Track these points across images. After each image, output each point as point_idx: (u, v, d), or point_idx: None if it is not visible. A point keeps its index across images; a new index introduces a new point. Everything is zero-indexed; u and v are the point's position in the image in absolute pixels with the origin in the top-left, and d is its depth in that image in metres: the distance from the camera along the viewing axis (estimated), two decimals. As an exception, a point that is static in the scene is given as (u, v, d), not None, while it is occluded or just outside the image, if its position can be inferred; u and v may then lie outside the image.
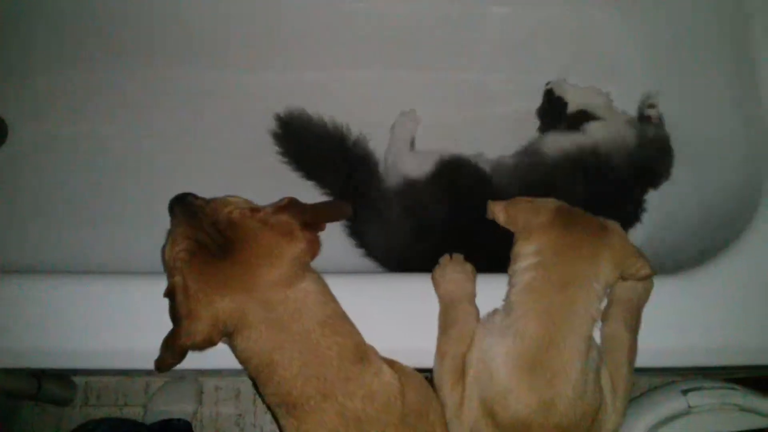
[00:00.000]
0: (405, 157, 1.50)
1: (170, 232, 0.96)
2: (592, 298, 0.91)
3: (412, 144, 1.57)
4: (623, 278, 0.95)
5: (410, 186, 1.42)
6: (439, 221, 1.38)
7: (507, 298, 0.95)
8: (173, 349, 0.90)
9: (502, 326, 0.93)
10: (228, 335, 0.90)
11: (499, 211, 1.01)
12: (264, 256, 0.90)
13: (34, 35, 1.65)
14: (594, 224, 0.96)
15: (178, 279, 0.90)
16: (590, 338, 0.91)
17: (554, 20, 1.65)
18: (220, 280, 0.89)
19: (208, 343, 0.90)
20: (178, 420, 1.60)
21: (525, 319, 0.91)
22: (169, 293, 0.92)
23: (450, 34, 1.67)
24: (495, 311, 0.98)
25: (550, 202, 0.99)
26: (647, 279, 0.98)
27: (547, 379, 0.88)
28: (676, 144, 1.47)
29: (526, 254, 0.94)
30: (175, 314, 0.91)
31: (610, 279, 0.93)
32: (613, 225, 0.98)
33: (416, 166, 1.44)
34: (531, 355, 0.89)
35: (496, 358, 0.91)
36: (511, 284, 0.96)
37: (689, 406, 1.18)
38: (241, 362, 0.93)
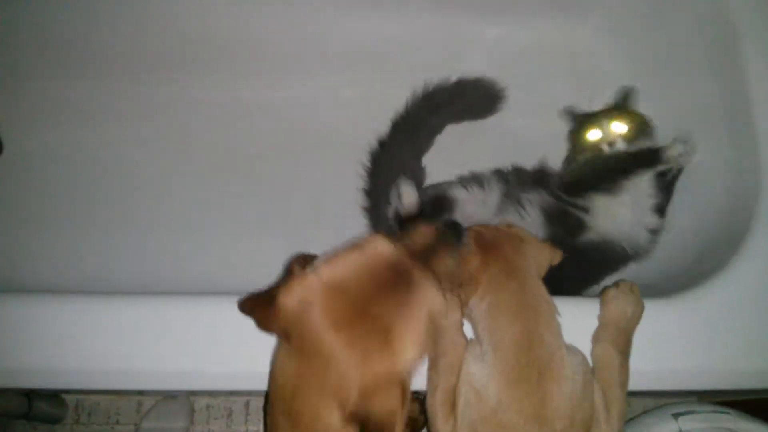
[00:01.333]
0: None
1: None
2: (543, 294, 0.97)
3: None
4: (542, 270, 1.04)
5: None
6: None
7: (476, 334, 0.97)
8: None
9: (480, 352, 0.95)
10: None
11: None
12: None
13: (24, 45, 1.66)
14: (512, 239, 1.03)
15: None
16: (561, 333, 0.95)
17: (545, 40, 1.67)
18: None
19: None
20: (170, 439, 1.59)
21: (498, 334, 0.93)
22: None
23: (442, 53, 1.68)
24: (473, 342, 0.98)
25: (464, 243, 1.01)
26: (560, 259, 1.07)
27: (535, 380, 0.89)
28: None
29: (474, 297, 0.98)
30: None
31: (542, 275, 1.02)
32: (523, 232, 1.07)
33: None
34: (514, 360, 0.90)
35: (483, 378, 0.92)
36: (473, 323, 0.98)
37: (680, 431, 1.17)
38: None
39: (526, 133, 1.60)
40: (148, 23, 1.65)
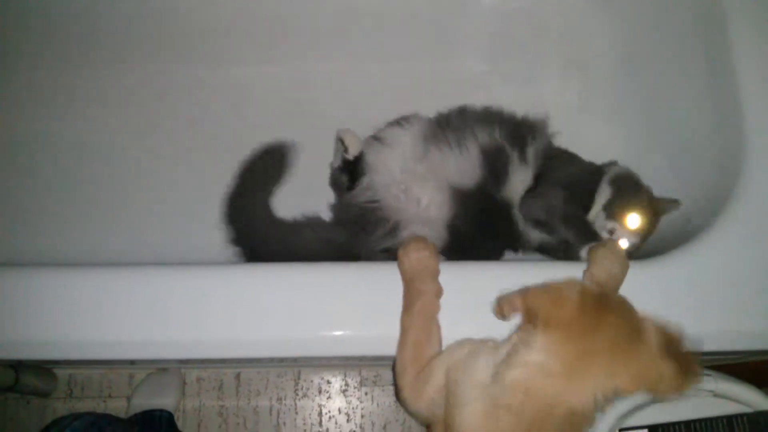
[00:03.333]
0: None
1: None
2: (584, 410, 0.77)
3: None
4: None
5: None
6: None
7: (499, 368, 0.82)
8: None
9: (482, 385, 0.83)
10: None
11: (515, 303, 0.85)
12: None
13: (22, 32, 1.65)
14: (624, 329, 0.80)
15: None
16: None
17: (535, 9, 1.65)
18: None
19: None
20: (161, 411, 1.60)
21: (507, 408, 0.79)
22: None
23: (432, 23, 1.67)
24: (483, 350, 0.88)
25: (571, 287, 0.84)
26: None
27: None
28: (650, 134, 1.48)
29: (536, 344, 0.79)
30: None
31: (622, 393, 0.78)
32: (650, 327, 0.81)
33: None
34: (497, 405, 0.79)
35: (466, 408, 0.83)
36: (509, 357, 0.82)
37: (661, 393, 1.18)
38: None
39: (512, 102, 1.59)
40: (145, 10, 1.64)
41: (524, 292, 0.85)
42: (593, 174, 1.40)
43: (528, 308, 0.83)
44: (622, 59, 1.58)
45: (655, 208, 1.34)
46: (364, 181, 1.43)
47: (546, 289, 0.84)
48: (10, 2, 1.61)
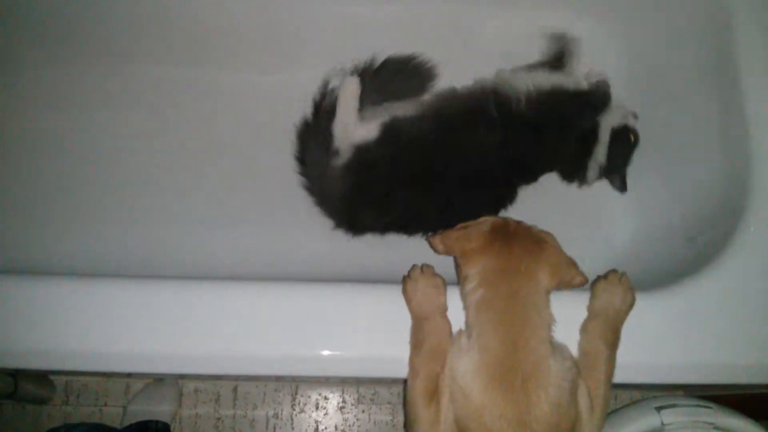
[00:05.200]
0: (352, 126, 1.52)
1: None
2: (540, 304, 0.95)
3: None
4: (561, 286, 0.99)
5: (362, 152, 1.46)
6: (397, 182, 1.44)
7: (465, 321, 0.97)
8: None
9: (465, 347, 0.95)
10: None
11: (437, 244, 1.05)
12: None
13: (21, 30, 1.65)
14: (529, 238, 1.01)
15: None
16: (551, 341, 0.94)
17: (543, 31, 1.65)
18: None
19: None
20: (157, 422, 1.60)
21: (484, 334, 0.93)
22: None
23: (441, 44, 1.67)
24: (460, 332, 0.99)
25: (483, 224, 1.04)
26: (581, 284, 1.02)
27: (518, 385, 0.88)
28: (656, 156, 1.48)
29: (470, 276, 0.98)
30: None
31: (549, 287, 0.97)
32: (548, 236, 1.04)
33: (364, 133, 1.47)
34: (498, 365, 0.90)
35: (466, 376, 0.92)
36: (465, 308, 0.98)
37: (663, 424, 1.18)
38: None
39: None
40: (142, 10, 1.64)
41: (443, 234, 1.05)
42: None
43: (447, 247, 1.04)
44: (632, 83, 1.58)
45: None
46: None
47: (457, 229, 1.05)
48: (15, 1, 1.62)
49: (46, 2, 1.62)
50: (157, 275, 1.15)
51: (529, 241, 1.00)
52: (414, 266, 1.07)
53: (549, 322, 0.95)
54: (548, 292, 0.97)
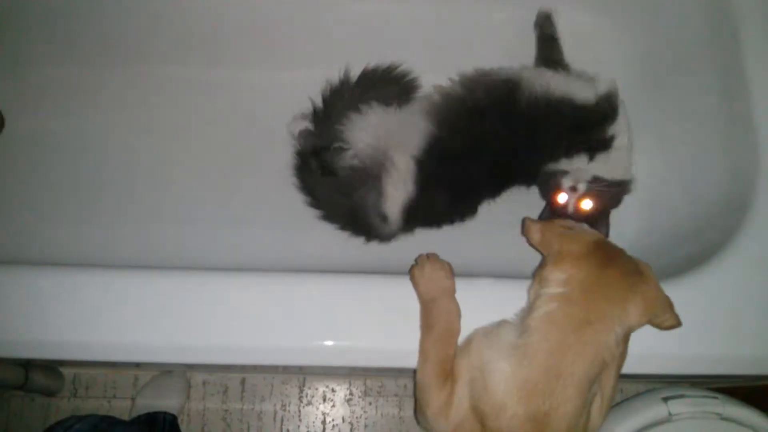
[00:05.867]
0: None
1: None
2: (609, 343, 0.89)
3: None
4: (648, 324, 0.94)
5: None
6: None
7: (523, 320, 0.94)
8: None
9: (510, 345, 0.92)
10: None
11: (534, 231, 1.01)
12: None
13: (29, 30, 1.66)
14: (629, 266, 0.95)
15: None
16: (595, 380, 0.90)
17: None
18: None
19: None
20: (165, 414, 1.60)
21: (537, 347, 0.89)
22: None
23: (445, 37, 1.68)
24: (503, 324, 0.97)
25: (590, 234, 0.99)
26: (671, 329, 0.96)
27: (544, 411, 0.87)
28: (663, 149, 1.48)
29: (553, 281, 0.93)
30: None
31: (635, 325, 0.92)
32: (647, 270, 0.96)
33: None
34: (534, 383, 0.88)
35: (496, 372, 0.91)
36: (531, 306, 0.94)
37: (669, 414, 1.18)
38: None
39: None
40: (151, 9, 1.64)
41: (545, 225, 0.99)
42: None
43: (543, 238, 0.99)
44: (635, 75, 1.58)
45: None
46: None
47: (567, 225, 1.00)
48: (23, 1, 1.62)
49: (54, 3, 1.62)
50: (165, 266, 1.16)
51: (630, 268, 0.94)
52: (420, 254, 1.08)
53: (606, 361, 0.90)
54: (631, 330, 0.92)
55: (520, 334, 0.92)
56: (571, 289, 0.91)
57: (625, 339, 0.94)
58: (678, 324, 0.95)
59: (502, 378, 0.90)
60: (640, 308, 0.90)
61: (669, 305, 0.95)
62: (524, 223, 1.03)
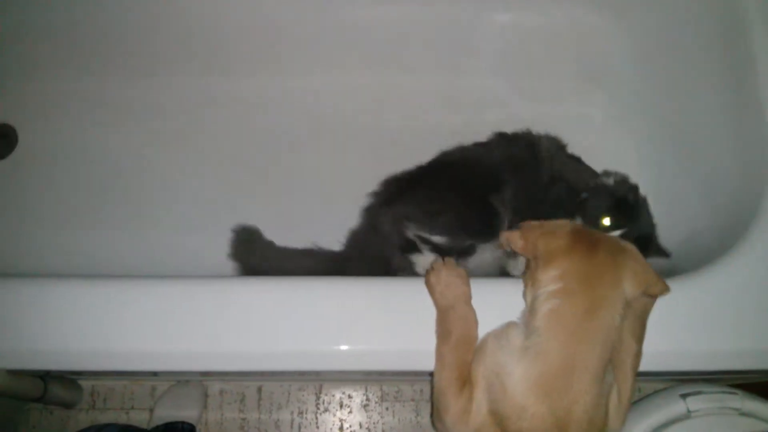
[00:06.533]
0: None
1: None
2: (615, 323, 0.90)
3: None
4: (641, 295, 0.95)
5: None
6: None
7: (529, 323, 0.94)
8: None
9: (521, 346, 0.92)
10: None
11: (517, 239, 1.00)
12: None
13: (39, 44, 1.68)
14: (614, 246, 0.96)
15: None
16: (608, 363, 0.90)
17: (552, 26, 1.66)
18: None
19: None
20: (183, 423, 1.61)
21: (549, 344, 0.90)
22: None
23: (450, 40, 1.69)
24: (510, 326, 0.97)
25: (564, 224, 0.99)
26: (663, 293, 0.98)
27: (564, 405, 0.87)
28: (674, 146, 1.47)
29: (548, 279, 0.93)
30: None
31: (631, 300, 0.93)
32: (630, 246, 0.98)
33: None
34: (551, 379, 0.88)
35: (512, 375, 0.91)
36: (533, 309, 0.94)
37: (688, 411, 1.18)
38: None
39: (530, 118, 1.59)
40: (159, 18, 1.66)
41: (522, 230, 1.00)
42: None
43: (527, 243, 0.98)
44: (643, 73, 1.58)
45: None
46: None
47: (540, 225, 1.00)
48: (32, 12, 1.64)
49: (66, 15, 1.64)
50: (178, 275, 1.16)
51: (614, 248, 0.96)
52: (435, 259, 1.07)
53: (614, 341, 0.91)
54: (629, 305, 0.93)
55: (528, 336, 0.92)
56: (567, 282, 0.92)
57: (635, 332, 0.96)
58: (667, 289, 0.97)
59: (519, 380, 0.90)
60: (633, 282, 0.92)
61: (655, 274, 0.96)
62: (503, 237, 1.03)
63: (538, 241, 0.97)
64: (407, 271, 1.41)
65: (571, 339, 0.89)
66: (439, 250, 1.38)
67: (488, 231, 1.36)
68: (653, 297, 0.97)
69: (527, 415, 0.88)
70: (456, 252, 1.38)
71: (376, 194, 1.51)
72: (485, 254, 1.38)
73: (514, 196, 1.40)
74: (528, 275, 0.99)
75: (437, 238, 1.38)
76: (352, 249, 1.51)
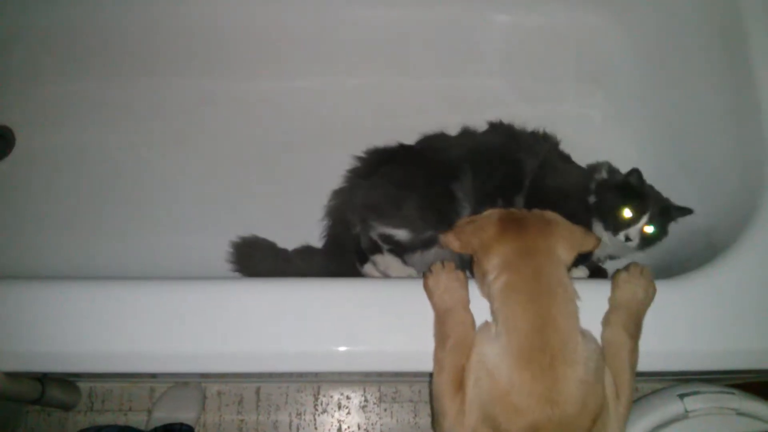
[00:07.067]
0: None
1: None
2: (563, 279, 0.95)
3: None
4: (580, 254, 1.01)
5: None
6: None
7: (491, 309, 0.97)
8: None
9: (495, 332, 0.94)
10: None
11: (451, 240, 1.04)
12: None
13: (38, 45, 1.68)
14: (538, 220, 1.01)
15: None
16: (577, 318, 0.94)
17: (552, 26, 1.67)
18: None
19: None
20: (181, 425, 1.61)
21: (512, 316, 0.93)
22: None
23: (450, 41, 1.69)
24: (487, 323, 0.98)
25: (491, 214, 1.04)
26: (596, 246, 1.04)
27: (547, 363, 0.88)
28: (673, 146, 1.48)
29: (492, 268, 0.97)
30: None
31: (568, 260, 0.99)
32: (554, 215, 1.04)
33: None
34: (527, 344, 0.90)
35: (495, 358, 0.92)
36: (490, 298, 0.97)
37: (686, 411, 1.18)
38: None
39: (530, 118, 1.60)
40: (158, 19, 1.66)
41: (456, 230, 1.04)
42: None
43: (462, 242, 1.02)
44: (643, 74, 1.59)
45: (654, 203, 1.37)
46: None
47: (469, 221, 1.05)
48: (33, 14, 1.64)
49: (65, 16, 1.65)
50: (178, 277, 1.16)
51: (540, 221, 1.01)
52: (434, 262, 1.07)
53: (574, 296, 0.94)
54: (567, 267, 0.98)
55: (495, 321, 0.95)
56: (507, 261, 0.96)
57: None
58: (597, 241, 1.04)
59: (500, 359, 0.91)
60: (566, 246, 0.99)
61: (582, 233, 1.03)
62: (441, 239, 1.06)
63: (471, 238, 1.01)
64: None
65: (528, 301, 0.93)
66: (400, 247, 1.40)
67: (448, 221, 1.36)
68: (589, 250, 1.04)
69: (516, 393, 0.89)
70: (417, 247, 1.40)
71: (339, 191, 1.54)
72: None
73: (482, 185, 1.41)
74: (477, 273, 1.02)
75: (399, 232, 1.39)
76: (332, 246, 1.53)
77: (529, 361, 0.89)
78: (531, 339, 0.90)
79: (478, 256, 1.00)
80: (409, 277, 1.38)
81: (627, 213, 1.35)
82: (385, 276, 1.39)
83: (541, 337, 0.90)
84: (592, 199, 1.40)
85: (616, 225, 1.35)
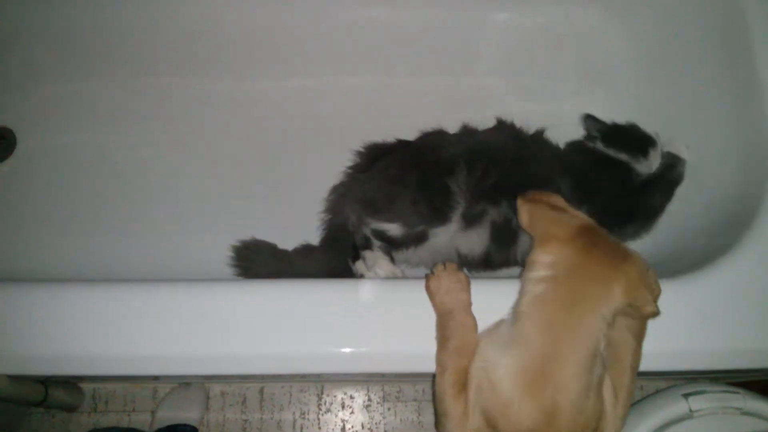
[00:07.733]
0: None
1: None
2: (598, 321, 0.87)
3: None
4: (629, 310, 0.90)
5: None
6: None
7: (515, 307, 0.93)
8: None
9: (507, 337, 0.92)
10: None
11: (523, 213, 0.97)
12: None
13: (37, 46, 1.68)
14: (616, 248, 0.92)
15: None
16: (594, 356, 0.88)
17: (552, 25, 1.66)
18: None
19: None
20: (185, 425, 1.61)
21: (530, 331, 0.89)
22: None
23: (450, 40, 1.69)
24: (501, 322, 0.96)
25: (578, 218, 0.96)
26: (649, 317, 0.93)
27: (549, 394, 0.86)
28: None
29: (540, 264, 0.91)
30: None
31: (619, 307, 0.88)
32: (636, 255, 0.93)
33: None
34: (534, 368, 0.88)
35: (499, 370, 0.90)
36: (521, 292, 0.93)
37: (690, 410, 1.18)
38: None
39: (530, 117, 1.59)
40: (158, 19, 1.66)
41: (533, 206, 0.97)
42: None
43: (532, 221, 0.95)
44: (643, 72, 1.58)
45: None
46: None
47: (552, 206, 0.97)
48: (32, 15, 1.64)
49: (65, 17, 1.64)
50: (179, 279, 1.16)
51: (615, 249, 0.92)
52: (437, 263, 1.07)
53: (599, 339, 0.87)
54: (617, 311, 0.88)
55: (512, 323, 0.91)
56: (556, 271, 0.89)
57: (633, 330, 0.96)
58: (656, 312, 0.90)
59: (505, 372, 0.89)
60: (623, 290, 0.87)
61: (651, 291, 0.92)
62: (518, 201, 0.99)
63: (540, 223, 0.95)
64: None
65: (552, 327, 0.88)
66: (392, 243, 1.39)
67: (442, 215, 1.35)
68: (641, 314, 0.92)
69: (514, 408, 0.88)
70: (410, 242, 1.39)
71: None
72: (437, 239, 1.38)
73: (480, 180, 1.39)
74: (528, 257, 0.96)
75: (391, 227, 1.38)
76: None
77: (531, 385, 0.87)
78: (539, 364, 0.87)
79: (537, 242, 0.93)
80: (395, 277, 1.36)
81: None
82: (373, 274, 1.38)
83: (549, 366, 0.87)
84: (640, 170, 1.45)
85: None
